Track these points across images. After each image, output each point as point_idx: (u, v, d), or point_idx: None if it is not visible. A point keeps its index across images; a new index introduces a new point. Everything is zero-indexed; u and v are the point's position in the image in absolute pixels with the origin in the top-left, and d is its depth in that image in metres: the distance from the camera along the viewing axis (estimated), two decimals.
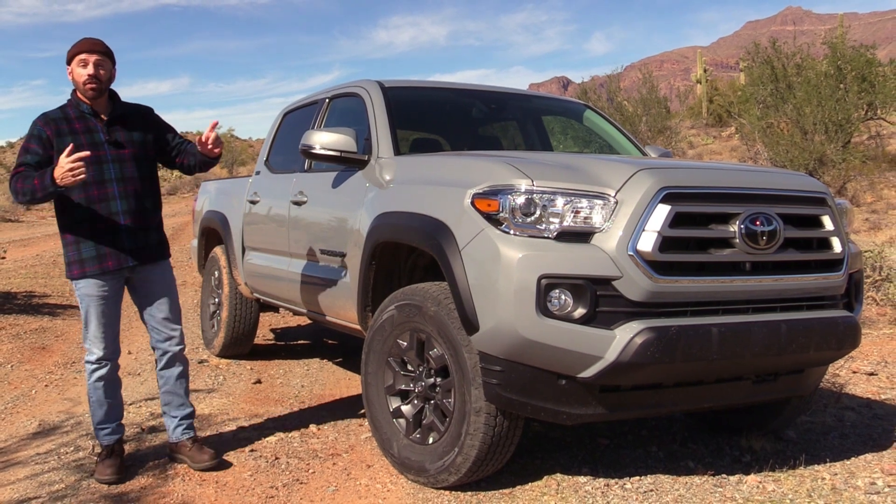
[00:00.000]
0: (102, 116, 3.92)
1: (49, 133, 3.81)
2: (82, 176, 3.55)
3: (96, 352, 3.93)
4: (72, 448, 4.34)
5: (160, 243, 4.09)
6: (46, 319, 8.14)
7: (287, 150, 5.76)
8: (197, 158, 4.11)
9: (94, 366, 3.95)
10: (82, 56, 3.84)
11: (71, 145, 3.61)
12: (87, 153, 3.62)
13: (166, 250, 4.14)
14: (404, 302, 3.83)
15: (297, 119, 6.01)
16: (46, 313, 8.44)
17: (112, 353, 3.98)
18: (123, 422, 4.16)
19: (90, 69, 3.82)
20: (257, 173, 6.22)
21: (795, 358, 3.60)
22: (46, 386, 5.76)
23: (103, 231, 3.86)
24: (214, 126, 4.03)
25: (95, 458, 4.06)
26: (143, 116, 4.11)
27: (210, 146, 4.00)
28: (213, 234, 6.85)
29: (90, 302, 3.89)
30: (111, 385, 4.02)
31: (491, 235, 3.32)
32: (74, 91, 3.92)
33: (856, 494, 3.58)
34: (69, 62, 3.88)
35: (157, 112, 4.19)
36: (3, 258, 10.17)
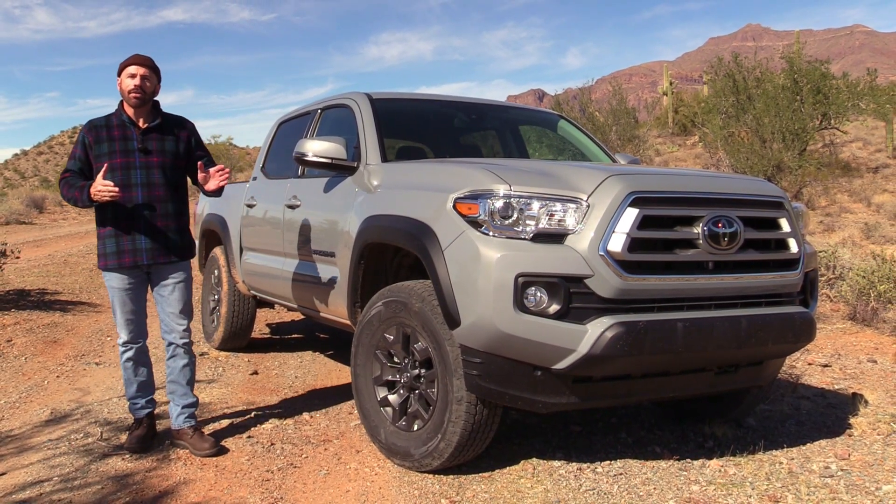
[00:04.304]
0: (141, 125, 3.99)
1: (90, 139, 3.95)
2: (113, 193, 3.72)
3: (123, 336, 4.08)
4: (81, 434, 4.29)
5: (180, 245, 4.08)
6: (58, 315, 8.05)
7: (282, 158, 5.72)
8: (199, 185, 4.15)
9: (123, 348, 4.10)
10: (132, 69, 3.96)
11: (106, 165, 3.81)
12: (115, 188, 3.74)
13: (186, 252, 4.14)
14: (391, 299, 3.81)
15: (292, 128, 5.97)
16: (58, 309, 8.35)
17: (137, 336, 4.10)
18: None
19: (137, 80, 3.93)
20: (254, 179, 6.19)
21: (755, 351, 3.60)
22: (58, 377, 5.70)
23: (125, 230, 3.96)
24: (219, 180, 4.01)
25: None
26: (180, 128, 4.14)
27: (209, 189, 4.03)
28: (212, 235, 6.80)
29: (114, 293, 4.03)
30: (139, 365, 4.15)
31: (471, 237, 3.31)
32: (122, 101, 4.00)
33: (811, 478, 3.58)
34: (119, 73, 3.99)
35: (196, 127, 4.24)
36: (18, 258, 10.03)
